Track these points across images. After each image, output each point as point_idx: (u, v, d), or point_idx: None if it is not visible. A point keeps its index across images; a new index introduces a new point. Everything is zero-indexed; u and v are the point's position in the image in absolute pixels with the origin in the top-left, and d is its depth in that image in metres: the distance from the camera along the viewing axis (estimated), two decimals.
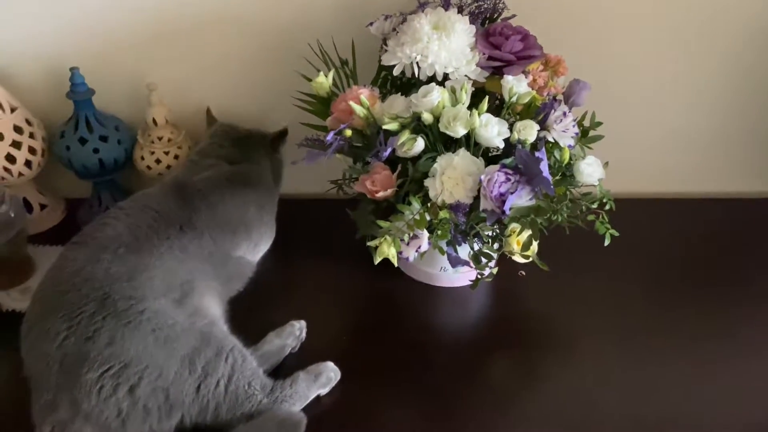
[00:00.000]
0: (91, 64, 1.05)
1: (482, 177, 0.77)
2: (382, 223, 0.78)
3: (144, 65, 1.08)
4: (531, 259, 0.87)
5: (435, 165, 0.79)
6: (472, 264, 0.85)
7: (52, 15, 1.03)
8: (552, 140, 0.84)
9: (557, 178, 0.85)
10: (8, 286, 0.98)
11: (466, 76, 0.85)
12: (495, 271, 0.90)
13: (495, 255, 0.86)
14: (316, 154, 0.84)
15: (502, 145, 0.81)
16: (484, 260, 0.85)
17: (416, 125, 0.82)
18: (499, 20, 0.95)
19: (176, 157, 1.09)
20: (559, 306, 1.01)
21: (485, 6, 0.94)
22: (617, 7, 1.05)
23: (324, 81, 0.88)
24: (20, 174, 1.05)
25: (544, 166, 0.76)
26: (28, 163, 1.05)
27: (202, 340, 0.80)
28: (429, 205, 0.80)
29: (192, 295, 0.85)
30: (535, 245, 0.88)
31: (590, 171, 0.86)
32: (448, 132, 0.79)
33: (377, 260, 0.79)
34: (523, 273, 0.97)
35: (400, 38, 0.86)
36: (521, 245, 0.86)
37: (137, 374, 0.74)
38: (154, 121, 1.06)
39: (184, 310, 0.82)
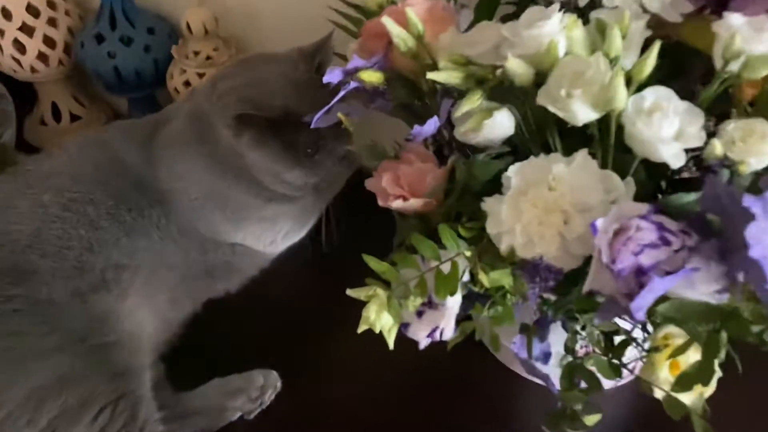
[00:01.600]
0: None
1: (598, 222, 0.34)
2: (375, 264, 0.39)
3: None
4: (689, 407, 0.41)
5: (508, 172, 0.38)
6: (555, 386, 0.42)
7: None
8: None
9: None
10: None
11: (640, 3, 0.41)
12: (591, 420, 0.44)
13: (611, 381, 0.42)
14: (357, 109, 0.46)
15: (677, 164, 0.36)
16: (581, 384, 0.42)
17: (501, 85, 0.40)
18: None
19: None
20: None
21: None
22: None
23: None
24: (33, 69, 0.83)
25: (761, 230, 0.31)
26: (42, 57, 0.82)
27: (80, 372, 0.50)
28: (479, 249, 0.38)
29: (109, 291, 0.55)
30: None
31: None
32: (555, 110, 0.36)
33: (361, 328, 0.41)
34: None
35: None
36: (679, 375, 0.41)
37: None
38: (188, 27, 0.76)
39: (84, 312, 0.53)
